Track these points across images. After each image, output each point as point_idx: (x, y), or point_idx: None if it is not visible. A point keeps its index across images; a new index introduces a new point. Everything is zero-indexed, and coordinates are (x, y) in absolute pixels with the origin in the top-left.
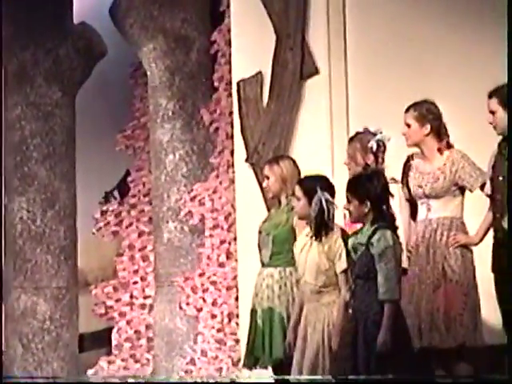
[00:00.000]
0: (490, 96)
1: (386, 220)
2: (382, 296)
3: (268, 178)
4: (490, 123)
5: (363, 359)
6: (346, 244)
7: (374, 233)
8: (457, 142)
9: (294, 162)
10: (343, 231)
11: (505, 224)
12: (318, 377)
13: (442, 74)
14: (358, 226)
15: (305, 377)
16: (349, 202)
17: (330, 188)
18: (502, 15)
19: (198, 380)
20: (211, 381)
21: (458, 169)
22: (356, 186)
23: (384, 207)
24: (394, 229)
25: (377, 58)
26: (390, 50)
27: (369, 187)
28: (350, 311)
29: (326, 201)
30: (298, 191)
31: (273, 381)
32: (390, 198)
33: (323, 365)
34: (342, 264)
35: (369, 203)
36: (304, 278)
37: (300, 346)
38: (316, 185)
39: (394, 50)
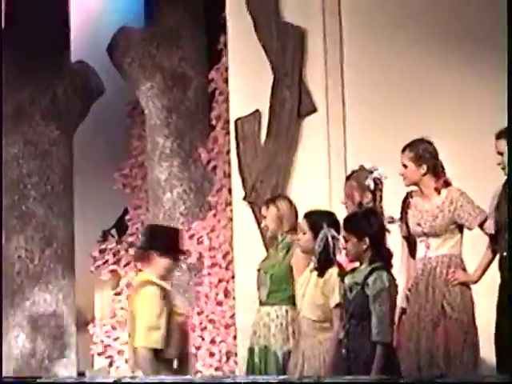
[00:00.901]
0: (499, 137)
1: (383, 259)
2: (375, 337)
3: (265, 217)
4: (498, 164)
5: None
6: (342, 280)
7: (370, 273)
8: (455, 180)
9: (291, 201)
10: (340, 267)
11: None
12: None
13: (439, 113)
14: (357, 263)
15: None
16: (346, 240)
17: (335, 224)
18: (501, 55)
19: (199, 380)
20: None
21: (456, 207)
22: (354, 223)
23: (382, 244)
24: (390, 267)
25: (374, 96)
26: (387, 88)
27: (367, 224)
28: (344, 351)
29: (332, 237)
30: (304, 225)
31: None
32: (387, 235)
33: None
34: (335, 299)
35: (367, 240)
36: (302, 312)
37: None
38: (323, 220)
39: (392, 89)
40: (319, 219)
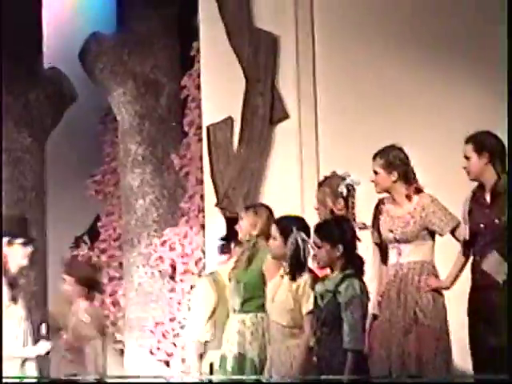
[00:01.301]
0: (467, 142)
1: (355, 266)
2: (347, 345)
3: (242, 219)
4: (464, 168)
5: None
6: (313, 288)
7: (342, 281)
8: (427, 186)
9: (271, 211)
10: (314, 273)
11: (484, 267)
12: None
13: (411, 120)
14: (328, 270)
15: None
16: (319, 247)
17: (305, 228)
18: (471, 61)
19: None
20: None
21: (428, 213)
22: (328, 230)
23: (354, 252)
24: (362, 274)
25: (346, 103)
26: (359, 96)
27: (341, 231)
28: (315, 359)
29: (302, 240)
30: (275, 231)
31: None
32: (357, 243)
33: None
34: (308, 305)
35: (341, 247)
36: (271, 317)
37: None
38: (292, 225)
39: (364, 96)
40: (289, 224)
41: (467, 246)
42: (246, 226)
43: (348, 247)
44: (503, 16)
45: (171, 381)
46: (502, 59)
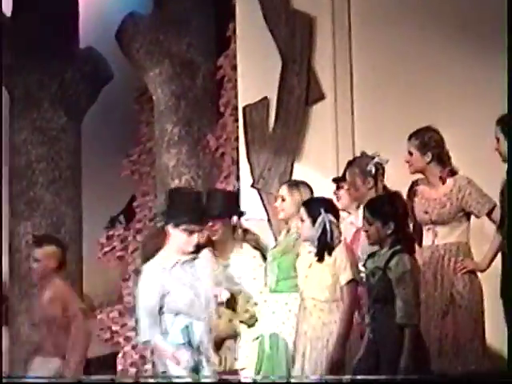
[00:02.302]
0: (497, 123)
1: (404, 242)
2: (400, 320)
3: (284, 199)
4: (496, 149)
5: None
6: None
7: (391, 257)
8: (463, 168)
9: (312, 190)
10: (348, 247)
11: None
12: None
13: (447, 99)
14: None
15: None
16: (369, 224)
17: (334, 210)
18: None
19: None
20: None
21: (464, 195)
22: (379, 208)
23: (405, 228)
24: (413, 251)
25: (383, 82)
26: (396, 75)
27: (392, 208)
28: (371, 335)
29: (330, 222)
30: (303, 213)
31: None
32: (409, 220)
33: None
34: (347, 275)
35: (392, 225)
36: (306, 293)
37: (300, 362)
38: (320, 207)
39: (400, 75)
40: (317, 206)
41: (499, 228)
42: (291, 205)
43: (399, 224)
44: None
45: (172, 381)
46: None
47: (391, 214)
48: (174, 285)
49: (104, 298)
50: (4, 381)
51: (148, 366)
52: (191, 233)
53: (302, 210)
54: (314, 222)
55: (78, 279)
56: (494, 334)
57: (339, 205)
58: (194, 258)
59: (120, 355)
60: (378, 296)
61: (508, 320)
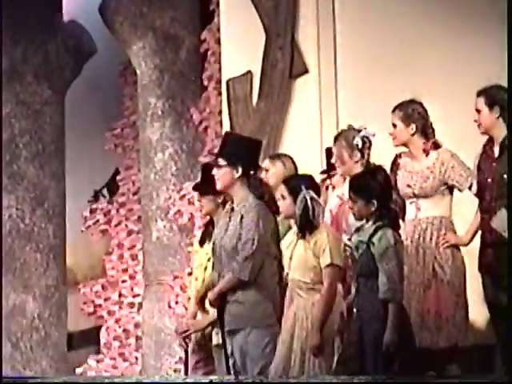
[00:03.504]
0: (478, 95)
1: (389, 218)
2: (383, 295)
3: (267, 170)
4: (475, 121)
5: (370, 357)
6: (349, 239)
7: (375, 231)
8: (446, 141)
9: (294, 162)
10: (331, 227)
11: (493, 224)
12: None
13: (430, 74)
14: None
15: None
16: (353, 201)
17: (315, 187)
18: (492, 14)
19: (206, 380)
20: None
21: (447, 168)
22: (362, 186)
23: (388, 203)
24: (397, 226)
25: (366, 56)
26: (379, 48)
27: (374, 185)
28: (355, 310)
29: (311, 199)
30: (284, 190)
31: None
32: (393, 193)
33: (309, 364)
34: (326, 258)
35: (376, 202)
36: (291, 274)
37: (288, 343)
38: (301, 184)
39: (384, 49)
40: (298, 183)
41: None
42: (273, 178)
43: (382, 200)
44: None
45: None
46: None
47: (374, 192)
48: None
49: (87, 272)
50: (4, 381)
51: (131, 340)
52: None
53: (283, 188)
54: (295, 199)
55: (61, 253)
56: (476, 309)
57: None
58: None
59: (103, 329)
60: (362, 270)
61: (486, 295)
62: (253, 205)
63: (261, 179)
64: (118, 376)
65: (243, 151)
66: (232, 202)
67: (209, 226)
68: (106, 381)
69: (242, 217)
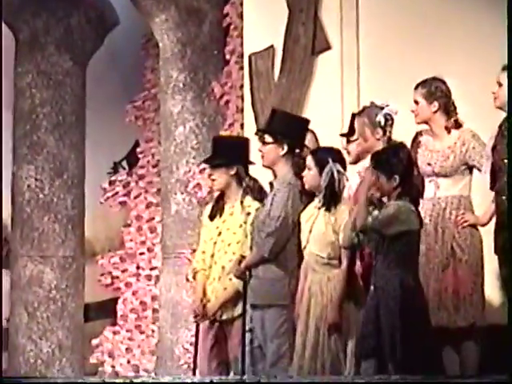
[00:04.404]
0: (504, 69)
1: (410, 195)
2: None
3: None
4: (493, 93)
5: (387, 335)
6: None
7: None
8: (467, 119)
9: (317, 138)
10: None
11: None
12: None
13: (453, 51)
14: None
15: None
16: (376, 177)
17: (341, 161)
18: None
19: (207, 380)
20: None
21: (468, 148)
22: (385, 161)
23: (411, 182)
24: (417, 204)
25: (389, 33)
26: (402, 25)
27: (396, 162)
28: (372, 287)
29: (338, 172)
30: (310, 161)
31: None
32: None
33: (323, 339)
34: (344, 239)
35: (397, 178)
36: (308, 248)
37: (304, 318)
38: (328, 156)
39: (407, 26)
40: (325, 155)
41: (492, 182)
42: None
43: (404, 176)
44: None
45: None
46: None
47: (396, 168)
48: None
49: (105, 244)
50: (4, 381)
51: (148, 313)
52: None
53: (310, 159)
54: (320, 171)
55: (80, 224)
56: (493, 289)
57: (349, 159)
58: None
59: (120, 301)
60: (378, 248)
61: (503, 276)
62: (287, 183)
63: (304, 158)
64: (117, 377)
65: (290, 129)
66: (275, 178)
67: (219, 200)
68: (107, 380)
69: (274, 194)
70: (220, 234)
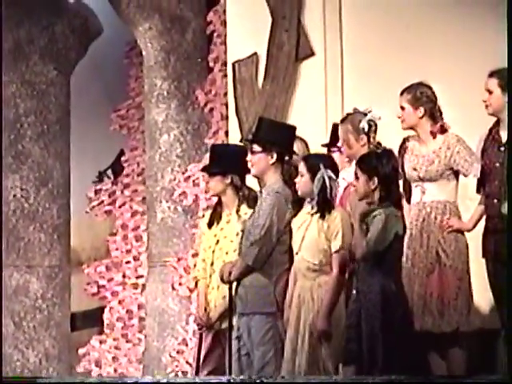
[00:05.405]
0: (491, 75)
1: (391, 200)
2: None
3: None
4: (484, 101)
5: (368, 341)
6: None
7: (372, 211)
8: (452, 124)
9: (307, 144)
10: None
11: (503, 210)
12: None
13: (437, 56)
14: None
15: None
16: (357, 178)
17: (333, 166)
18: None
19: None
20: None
21: (453, 153)
22: (365, 162)
23: (392, 187)
24: (399, 209)
25: (372, 39)
26: (385, 31)
27: (378, 164)
28: (354, 292)
29: (329, 178)
30: (302, 167)
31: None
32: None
33: (318, 345)
34: (336, 243)
35: (376, 180)
36: (300, 254)
37: (294, 324)
38: (320, 162)
39: (391, 31)
40: (317, 161)
41: (480, 186)
42: None
43: (384, 181)
44: None
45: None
46: None
47: (376, 170)
48: None
49: (91, 253)
50: (4, 381)
51: (134, 321)
52: None
53: (302, 165)
54: (313, 177)
55: (65, 233)
56: (480, 294)
57: None
58: None
59: (106, 310)
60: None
61: (490, 280)
62: (275, 191)
63: (295, 165)
64: (117, 377)
65: (278, 137)
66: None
67: (217, 208)
68: (107, 380)
69: (261, 202)
70: (218, 242)
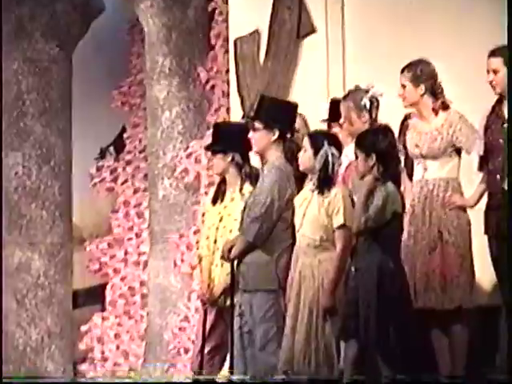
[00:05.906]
0: (494, 54)
1: (390, 177)
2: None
3: None
4: (490, 82)
5: (364, 318)
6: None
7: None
8: (456, 101)
9: (306, 120)
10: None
11: (505, 186)
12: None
13: (439, 33)
14: None
15: None
16: (356, 156)
17: (337, 144)
18: None
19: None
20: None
21: (455, 130)
22: (363, 140)
23: (391, 163)
24: (397, 185)
25: (374, 16)
26: (387, 8)
27: (375, 141)
28: (353, 269)
29: (332, 155)
30: (306, 142)
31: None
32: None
33: (317, 322)
34: (338, 219)
35: (374, 156)
36: (302, 231)
37: (294, 301)
38: (324, 139)
39: (392, 9)
40: (321, 138)
41: (483, 162)
42: None
43: (382, 157)
44: None
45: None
46: None
47: (374, 147)
48: None
49: (93, 230)
50: (4, 381)
51: (137, 298)
52: None
53: (306, 140)
54: (316, 152)
55: (67, 210)
56: (483, 271)
57: None
58: None
59: (108, 287)
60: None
61: (493, 258)
62: (276, 168)
63: (297, 143)
64: (116, 377)
65: (280, 114)
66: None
67: (221, 185)
68: (107, 380)
69: (263, 179)
70: (221, 219)
